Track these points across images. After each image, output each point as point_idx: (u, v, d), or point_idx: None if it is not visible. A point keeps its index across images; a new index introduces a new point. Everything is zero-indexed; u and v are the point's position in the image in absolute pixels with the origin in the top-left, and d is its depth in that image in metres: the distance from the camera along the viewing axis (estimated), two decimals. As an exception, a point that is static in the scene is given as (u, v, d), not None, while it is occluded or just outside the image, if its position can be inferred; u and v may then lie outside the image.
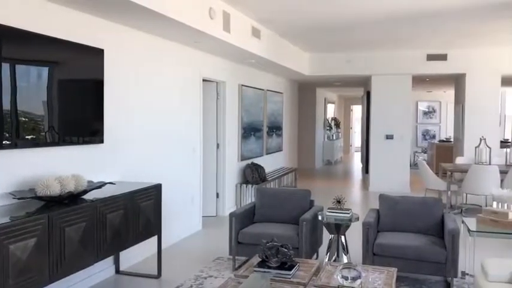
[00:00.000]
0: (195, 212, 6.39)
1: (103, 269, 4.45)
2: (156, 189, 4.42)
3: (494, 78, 9.06)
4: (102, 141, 4.30)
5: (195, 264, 4.93)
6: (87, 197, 3.60)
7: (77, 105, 4.00)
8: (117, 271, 4.63)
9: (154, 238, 4.51)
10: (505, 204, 4.20)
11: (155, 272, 4.56)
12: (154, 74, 5.31)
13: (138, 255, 4.97)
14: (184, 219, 6.08)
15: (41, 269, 2.99)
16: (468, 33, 7.40)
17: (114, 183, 4.08)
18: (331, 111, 17.30)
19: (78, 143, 4.02)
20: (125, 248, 4.00)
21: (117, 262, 4.63)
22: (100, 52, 4.22)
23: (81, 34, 4.04)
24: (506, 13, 5.83)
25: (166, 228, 5.32)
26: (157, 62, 5.35)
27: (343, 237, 4.61)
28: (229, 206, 7.42)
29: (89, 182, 3.81)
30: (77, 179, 3.54)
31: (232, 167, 7.61)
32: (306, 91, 13.61)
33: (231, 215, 4.72)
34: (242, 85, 7.85)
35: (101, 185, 3.75)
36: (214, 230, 6.52)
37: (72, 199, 3.45)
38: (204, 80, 6.61)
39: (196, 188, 6.42)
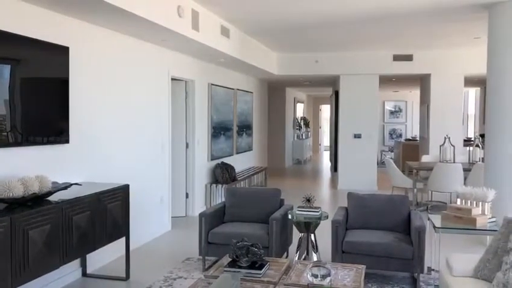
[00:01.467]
0: (164, 212, 6.32)
1: (69, 272, 4.34)
2: (124, 189, 4.34)
3: (457, 79, 9.34)
4: (67, 141, 4.19)
5: (164, 266, 4.87)
6: (52, 198, 3.50)
7: (41, 104, 3.89)
8: (84, 274, 4.53)
9: (122, 239, 4.44)
10: (469, 201, 4.32)
11: (123, 274, 4.48)
12: (122, 72, 5.21)
13: (105, 257, 4.87)
14: (153, 219, 6.00)
15: (2, 274, 2.88)
16: (433, 34, 7.59)
17: (81, 184, 3.98)
18: (300, 110, 17.44)
19: (42, 143, 3.91)
20: (92, 251, 3.91)
21: (83, 265, 4.53)
22: (65, 50, 4.11)
23: (45, 31, 3.93)
24: (469, 16, 6.00)
25: (135, 229, 5.23)
26: (124, 61, 5.26)
27: (312, 235, 4.64)
28: (199, 206, 7.37)
29: (54, 183, 3.71)
30: (41, 180, 3.44)
31: (202, 166, 7.56)
32: (275, 90, 13.67)
33: (201, 215, 4.68)
34: (212, 84, 7.81)
35: (66, 186, 3.66)
36: (183, 230, 6.46)
37: (36, 201, 3.35)
38: (172, 79, 6.54)
39: (165, 188, 6.35)
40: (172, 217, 6.59)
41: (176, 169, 6.92)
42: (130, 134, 5.40)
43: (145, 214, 5.76)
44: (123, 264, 4.55)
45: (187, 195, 7.25)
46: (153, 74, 5.95)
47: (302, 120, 17.03)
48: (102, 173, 4.80)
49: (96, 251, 4.10)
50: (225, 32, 6.50)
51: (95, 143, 4.72)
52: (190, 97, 7.15)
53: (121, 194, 4.28)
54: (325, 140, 20.60)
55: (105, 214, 4.01)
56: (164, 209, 6.33)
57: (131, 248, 4.73)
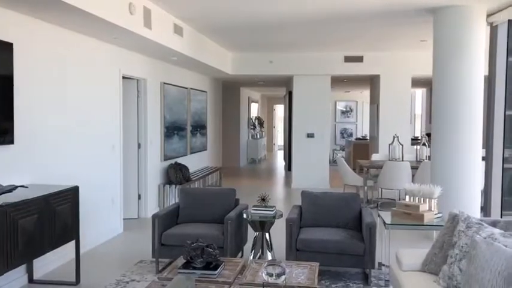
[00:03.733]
0: (115, 214, 6.16)
1: (14, 278, 4.14)
2: (73, 191, 4.19)
3: (405, 80, 9.68)
4: (12, 142, 4.00)
5: (116, 269, 4.75)
6: (-5, 202, 3.33)
7: (-18, 103, 3.69)
8: (31, 280, 4.34)
9: (72, 243, 4.29)
10: (416, 198, 4.48)
11: (73, 279, 4.33)
12: (71, 70, 5.04)
13: (54, 261, 4.69)
14: (104, 222, 5.84)
15: None
16: (382, 37, 7.83)
17: (27, 187, 3.81)
18: (254, 110, 17.52)
19: (-17, 143, 3.71)
20: (40, 255, 3.76)
21: (30, 270, 4.33)
22: (9, 46, 3.92)
23: (-14, 26, 3.73)
24: (416, 19, 6.23)
25: (85, 232, 5.07)
26: (74, 58, 5.08)
27: (267, 234, 4.67)
28: (151, 207, 7.24)
29: (-3, 185, 3.53)
30: (-18, 182, 3.26)
31: (155, 167, 7.43)
32: (230, 90, 13.65)
33: (154, 216, 4.60)
34: (164, 83, 7.69)
35: (11, 189, 3.49)
36: (136, 232, 6.33)
37: (-23, 205, 3.18)
38: (124, 77, 6.39)
39: (117, 189, 6.20)
40: (124, 219, 6.44)
41: (128, 170, 6.77)
42: (79, 134, 5.23)
43: (95, 216, 5.59)
44: (73, 268, 4.39)
45: (139, 197, 7.10)
46: (104, 73, 5.79)
47: (256, 120, 17.11)
48: (50, 174, 4.62)
49: (44, 255, 3.94)
50: (178, 30, 6.41)
51: (42, 143, 4.54)
52: (142, 96, 7.01)
53: (70, 196, 4.14)
54: (279, 139, 20.79)
55: (53, 217, 3.86)
56: (115, 211, 6.17)
57: (81, 251, 4.58)
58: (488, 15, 5.69)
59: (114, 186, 6.12)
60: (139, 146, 7.03)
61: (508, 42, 5.70)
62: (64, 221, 4.02)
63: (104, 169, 5.84)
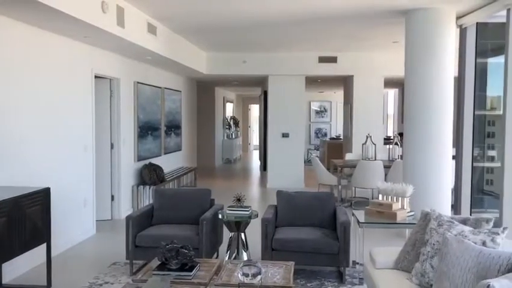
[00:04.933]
0: (87, 216, 6.06)
1: (-18, 283, 4.03)
2: (44, 193, 4.09)
3: (378, 80, 9.82)
4: (-21, 143, 3.88)
5: (89, 271, 4.67)
6: (-39, 205, 3.22)
7: None
8: (0, 284, 4.22)
9: (43, 246, 4.18)
10: (389, 197, 4.56)
11: (44, 282, 4.22)
12: (41, 69, 4.93)
13: (24, 265, 4.58)
14: (76, 224, 5.73)
15: None
16: (355, 38, 7.93)
17: (-5, 189, 3.71)
18: (230, 110, 17.49)
19: (-51, 144, 3.58)
20: (9, 259, 3.65)
21: (-1, 275, 4.22)
22: (-25, 43, 3.80)
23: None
24: (388, 21, 6.33)
25: (57, 234, 4.96)
26: (44, 57, 4.97)
27: (243, 234, 4.67)
28: (125, 208, 7.14)
29: (-36, 188, 3.42)
30: None
31: (128, 167, 7.33)
32: (204, 90, 13.58)
33: (128, 217, 4.54)
34: (138, 82, 7.59)
35: (-22, 191, 3.38)
36: (109, 234, 6.23)
37: None
38: (96, 77, 6.28)
39: (89, 190, 6.09)
40: (97, 220, 6.33)
41: (100, 170, 6.65)
42: (50, 134, 5.12)
43: (67, 218, 5.48)
44: (44, 271, 4.28)
45: (112, 198, 6.99)
46: (75, 72, 5.68)
47: (232, 120, 17.09)
48: (20, 176, 4.50)
49: (14, 259, 3.84)
50: (151, 29, 6.34)
51: (11, 144, 4.42)
52: (116, 96, 6.91)
53: (41, 197, 4.04)
54: (255, 139, 20.81)
55: (23, 220, 3.76)
56: (88, 212, 6.06)
57: (53, 254, 4.47)
58: (458, 18, 5.83)
59: (86, 187, 6.01)
60: (112, 146, 6.92)
61: (476, 44, 5.86)
62: (35, 223, 3.92)
63: (76, 170, 5.73)
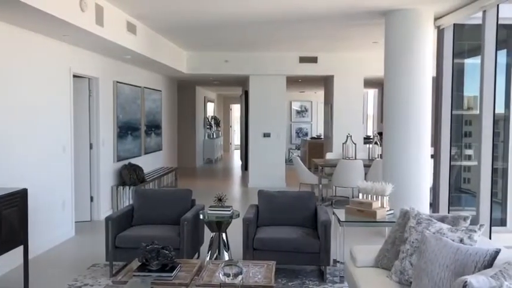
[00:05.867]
0: (66, 217, 5.96)
1: (-44, 287, 3.93)
2: (21, 194, 4.01)
3: (358, 80, 9.91)
4: (-48, 143, 3.78)
5: (68, 273, 4.60)
6: None
7: None
8: (-25, 289, 4.13)
9: (20, 248, 4.10)
10: (369, 195, 4.61)
11: (21, 286, 4.14)
12: (17, 68, 4.83)
13: (0, 268, 4.48)
14: (54, 225, 5.63)
15: None
16: (336, 38, 7.98)
17: (-31, 190, 3.62)
18: (211, 109, 17.43)
19: None
20: (-16, 262, 3.57)
21: (-26, 279, 4.12)
22: None
23: None
24: (368, 21, 6.39)
25: (34, 236, 4.87)
26: (20, 55, 4.87)
27: (224, 234, 4.66)
28: (104, 209, 7.06)
29: None
30: None
31: (108, 168, 7.25)
32: (185, 89, 13.51)
33: (107, 218, 4.49)
34: (117, 82, 7.51)
35: (-49, 193, 3.30)
36: (88, 235, 6.15)
37: None
38: (75, 76, 6.19)
39: (68, 191, 5.99)
40: (76, 222, 6.23)
41: (79, 171, 6.56)
42: (27, 134, 5.02)
43: (45, 220, 5.39)
44: (21, 274, 4.20)
45: (91, 199, 6.90)
46: (53, 71, 5.59)
47: (213, 120, 17.03)
48: (-5, 177, 4.41)
49: (-11, 262, 3.76)
50: (131, 28, 6.28)
51: (-14, 144, 4.32)
52: (94, 95, 6.82)
53: (18, 199, 3.96)
54: (236, 139, 20.79)
55: (-1, 222, 3.68)
56: (67, 214, 5.97)
57: (30, 257, 4.39)
58: (436, 19, 5.93)
59: (65, 188, 5.91)
60: (91, 146, 6.83)
61: (453, 45, 5.96)
62: (11, 225, 3.84)
63: (54, 171, 5.64)
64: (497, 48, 4.95)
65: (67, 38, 5.50)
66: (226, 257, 4.59)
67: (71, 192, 6.06)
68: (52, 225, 5.58)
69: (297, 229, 4.63)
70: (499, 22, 4.93)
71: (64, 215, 5.90)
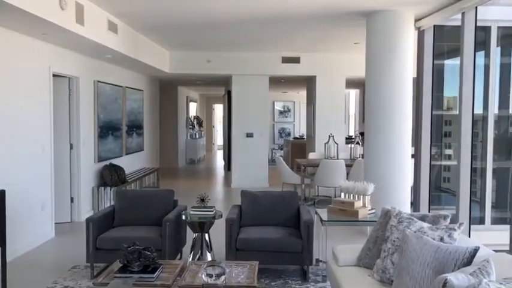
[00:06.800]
0: (46, 218, 5.86)
1: None
2: (-1, 196, 3.93)
3: (340, 81, 9.98)
4: None
5: (47, 276, 4.52)
6: None
7: None
8: (-50, 293, 4.03)
9: (-2, 251, 4.02)
10: (351, 195, 4.64)
11: (-1, 289, 4.07)
12: (-6, 66, 4.74)
13: (-23, 272, 4.38)
14: (33, 227, 5.54)
15: None
16: (318, 38, 8.03)
17: None
18: (193, 109, 17.34)
19: None
20: (-40, 266, 3.49)
21: (-51, 282, 4.02)
22: None
23: None
24: (350, 22, 6.44)
25: (13, 238, 4.78)
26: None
27: (207, 235, 4.63)
28: (85, 210, 6.96)
29: None
30: None
31: (88, 168, 7.15)
32: (167, 89, 13.42)
33: (88, 220, 4.43)
34: (98, 81, 7.42)
35: None
36: (69, 237, 6.06)
37: None
38: (54, 75, 6.10)
39: (47, 192, 5.90)
40: (56, 223, 6.14)
41: (59, 172, 6.46)
42: (6, 134, 4.93)
43: (24, 221, 5.29)
44: (-1, 278, 4.13)
45: (72, 200, 6.80)
46: (32, 70, 5.49)
47: (195, 120, 16.96)
48: (-29, 178, 4.31)
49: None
50: (112, 27, 6.21)
51: (-37, 145, 4.22)
52: (75, 95, 6.72)
53: (-5, 200, 3.87)
54: (219, 139, 20.73)
55: (-25, 224, 3.60)
56: (46, 215, 5.87)
57: (9, 259, 4.30)
58: (416, 20, 6.00)
59: (44, 189, 5.82)
60: (71, 146, 6.73)
61: (433, 46, 6.05)
62: (-12, 227, 3.76)
63: (34, 171, 5.54)
64: (476, 49, 5.04)
65: (47, 37, 5.41)
66: (209, 258, 4.57)
67: (50, 193, 5.96)
68: (31, 226, 5.48)
69: (279, 229, 4.63)
70: (478, 24, 5.02)
71: (44, 216, 5.80)
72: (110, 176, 7.47)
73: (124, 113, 8.72)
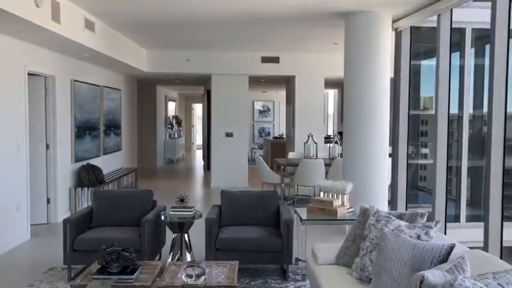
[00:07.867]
0: (21, 220, 5.75)
1: None
2: (-28, 197, 3.84)
3: (318, 81, 10.05)
4: None
5: (23, 278, 4.43)
6: None
7: None
8: None
9: (-29, 254, 3.93)
10: (330, 194, 4.68)
11: (-28, 293, 3.98)
12: (-33, 65, 4.62)
13: (-51, 275, 4.27)
14: (8, 228, 5.42)
15: None
16: (297, 39, 8.06)
17: None
18: (172, 109, 17.22)
19: None
20: None
21: None
22: None
23: None
24: (328, 23, 6.49)
25: (-14, 241, 4.67)
26: (-30, 52, 4.66)
27: (186, 235, 4.61)
28: (62, 211, 6.85)
29: None
30: None
31: (65, 169, 7.03)
32: (145, 88, 13.29)
33: (65, 221, 4.36)
34: (75, 80, 7.30)
35: None
36: (45, 238, 5.95)
37: None
38: (30, 74, 5.98)
39: (23, 193, 5.78)
40: (31, 225, 6.02)
41: (35, 172, 6.34)
42: (-22, 135, 4.81)
43: (-2, 223, 5.18)
44: (-28, 281, 4.04)
45: (48, 201, 6.68)
46: (7, 69, 5.37)
47: (174, 119, 16.84)
48: None
49: None
50: (89, 25, 6.12)
51: None
52: (51, 94, 6.60)
53: (-32, 202, 3.78)
54: (198, 138, 20.64)
55: None
56: (22, 217, 5.75)
57: (-18, 262, 4.22)
58: (394, 22, 6.09)
59: (19, 190, 5.70)
60: (47, 146, 6.61)
61: (410, 47, 6.15)
62: (-39, 230, 3.67)
63: (8, 171, 5.42)
64: (451, 50, 5.14)
65: (21, 35, 5.30)
66: (189, 258, 4.54)
67: (26, 194, 5.85)
68: (6, 228, 5.37)
69: (259, 228, 4.64)
70: (453, 26, 5.12)
71: (19, 217, 5.68)
72: (87, 177, 7.36)
73: (101, 112, 8.60)
